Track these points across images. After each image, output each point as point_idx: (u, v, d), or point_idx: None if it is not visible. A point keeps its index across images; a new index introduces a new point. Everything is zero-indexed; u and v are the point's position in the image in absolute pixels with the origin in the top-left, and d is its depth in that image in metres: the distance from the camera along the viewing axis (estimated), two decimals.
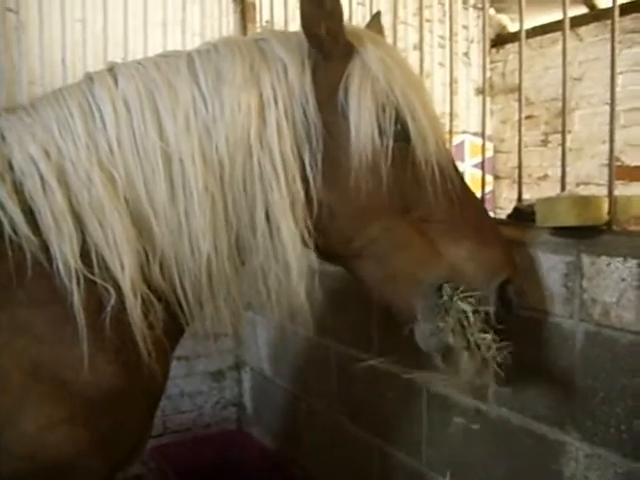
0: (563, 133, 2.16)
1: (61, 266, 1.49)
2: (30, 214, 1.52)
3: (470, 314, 1.64)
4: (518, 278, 1.73)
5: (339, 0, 1.63)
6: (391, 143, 1.65)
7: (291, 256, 1.66)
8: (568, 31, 2.14)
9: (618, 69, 2.04)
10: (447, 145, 1.80)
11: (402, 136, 1.67)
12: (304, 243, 1.68)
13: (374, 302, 2.56)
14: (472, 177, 1.80)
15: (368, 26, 2.03)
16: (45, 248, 1.51)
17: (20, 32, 3.33)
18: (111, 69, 1.70)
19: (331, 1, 1.62)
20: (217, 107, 1.62)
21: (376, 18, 2.05)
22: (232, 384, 4.05)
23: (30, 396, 1.48)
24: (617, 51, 2.02)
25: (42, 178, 1.54)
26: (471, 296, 1.66)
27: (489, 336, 1.66)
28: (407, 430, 2.55)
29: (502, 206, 5.73)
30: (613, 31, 1.99)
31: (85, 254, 1.53)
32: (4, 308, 1.48)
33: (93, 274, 1.52)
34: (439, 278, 1.68)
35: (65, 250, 1.50)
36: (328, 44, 1.66)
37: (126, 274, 1.54)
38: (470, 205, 1.76)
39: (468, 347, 1.67)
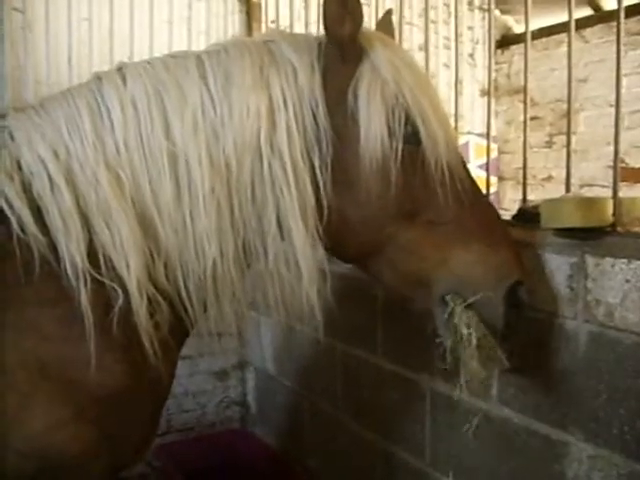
0: (568, 134, 2.17)
1: (69, 265, 1.50)
2: (38, 213, 1.53)
3: (473, 319, 1.67)
4: (528, 280, 1.74)
5: (360, 0, 1.64)
6: (401, 146, 1.65)
7: (302, 260, 1.66)
8: (573, 33, 2.15)
9: (623, 71, 2.04)
10: (457, 146, 1.80)
11: (412, 138, 1.67)
12: (315, 246, 1.68)
13: (381, 303, 2.59)
14: (477, 178, 1.81)
15: (378, 25, 2.03)
16: (53, 247, 1.52)
17: (26, 31, 3.34)
18: (120, 69, 1.70)
19: (353, 1, 1.63)
20: (226, 109, 1.63)
21: (387, 17, 2.04)
22: (236, 383, 4.06)
23: (37, 395, 1.49)
24: (622, 53, 2.02)
25: (50, 178, 1.55)
26: (473, 303, 1.68)
27: (490, 340, 1.68)
28: (411, 430, 2.55)
29: (506, 207, 5.73)
30: (618, 33, 2.00)
31: (92, 254, 1.54)
32: (12, 306, 1.49)
33: (100, 274, 1.53)
34: (447, 283, 1.69)
35: (72, 250, 1.51)
36: (347, 45, 1.67)
37: (132, 274, 1.55)
38: (480, 207, 1.76)
39: (471, 352, 1.69)
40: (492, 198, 3.62)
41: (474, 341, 1.67)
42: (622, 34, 2.00)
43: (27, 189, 1.54)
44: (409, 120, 1.67)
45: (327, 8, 1.64)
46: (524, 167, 2.34)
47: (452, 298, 1.70)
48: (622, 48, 2.01)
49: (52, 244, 1.52)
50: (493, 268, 1.69)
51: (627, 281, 1.76)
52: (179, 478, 3.23)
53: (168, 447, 3.59)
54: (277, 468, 3.41)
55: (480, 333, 1.68)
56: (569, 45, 2.15)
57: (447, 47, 5.24)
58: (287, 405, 3.52)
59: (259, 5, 4.01)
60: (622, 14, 1.99)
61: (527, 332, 1.85)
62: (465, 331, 1.67)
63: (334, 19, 1.63)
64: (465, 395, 2.00)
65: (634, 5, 4.47)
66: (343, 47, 1.67)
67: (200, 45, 3.69)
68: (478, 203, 1.76)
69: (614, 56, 2.02)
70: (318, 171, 1.65)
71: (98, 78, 1.70)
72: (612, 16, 1.90)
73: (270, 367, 3.69)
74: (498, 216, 1.87)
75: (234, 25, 4.02)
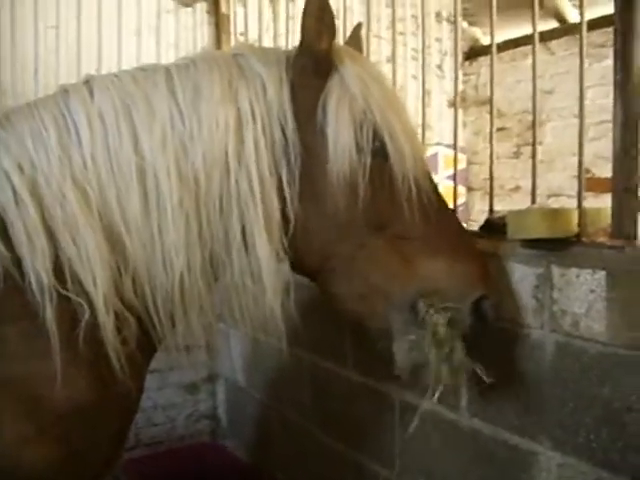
0: (534, 145, 2.20)
1: (33, 281, 1.47)
2: (2, 228, 1.51)
3: (443, 327, 1.66)
4: (494, 293, 1.75)
5: (334, 15, 1.65)
6: (369, 160, 1.66)
7: (266, 273, 1.66)
8: (538, 45, 2.18)
9: (588, 82, 2.07)
10: (425, 161, 1.81)
11: (380, 153, 1.68)
12: (279, 260, 1.68)
13: (344, 319, 2.59)
14: (445, 189, 1.83)
15: (348, 39, 2.04)
16: (18, 262, 1.49)
17: None
18: (87, 82, 1.68)
19: (329, 15, 1.63)
20: (194, 123, 1.61)
21: (356, 31, 2.05)
22: (206, 396, 4.03)
23: (2, 412, 1.46)
24: (587, 65, 2.05)
25: (15, 192, 1.52)
26: (445, 308, 1.66)
27: (460, 348, 1.68)
28: (381, 441, 2.55)
29: (475, 218, 5.79)
30: (581, 46, 2.03)
31: (58, 269, 1.51)
32: None
33: (66, 289, 1.51)
34: (414, 295, 1.68)
35: (37, 265, 1.48)
36: (321, 60, 1.67)
37: (99, 289, 1.52)
38: (446, 221, 1.77)
39: (442, 359, 1.68)
40: (461, 209, 3.64)
41: (448, 345, 1.67)
42: (585, 47, 2.04)
43: None
44: (377, 135, 1.67)
45: (306, 22, 1.64)
46: (491, 178, 2.36)
47: (425, 303, 1.67)
48: (587, 60, 2.04)
49: (17, 259, 1.49)
50: (459, 282, 1.69)
51: (592, 291, 1.79)
52: None
53: (137, 461, 3.56)
54: None
55: (455, 338, 1.68)
56: (534, 57, 2.18)
57: (415, 59, 5.28)
58: (257, 417, 3.51)
59: (228, 17, 4.01)
60: (584, 27, 2.02)
61: (494, 343, 1.86)
62: (442, 333, 1.66)
63: (312, 33, 1.64)
64: (434, 405, 2.01)
65: (598, 18, 4.54)
66: (317, 61, 1.68)
67: (169, 57, 3.67)
68: (444, 217, 1.77)
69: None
70: (285, 185, 1.65)
71: (65, 91, 1.68)
72: (577, 28, 1.93)
73: (240, 379, 3.68)
74: (464, 230, 1.88)
75: (203, 37, 4.01)
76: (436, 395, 1.74)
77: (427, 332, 1.67)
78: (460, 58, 5.90)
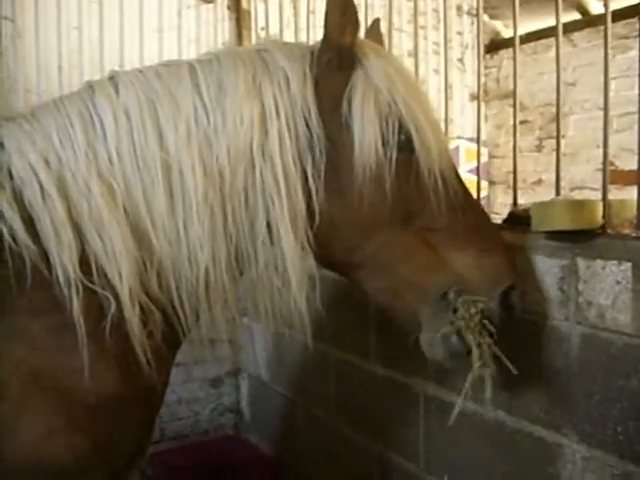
0: (557, 138, 2.18)
1: (60, 275, 1.50)
2: (30, 223, 1.52)
3: (475, 318, 1.65)
4: (521, 284, 1.74)
5: (357, 9, 1.65)
6: (395, 154, 1.66)
7: (291, 267, 1.66)
8: (561, 37, 2.16)
9: (611, 74, 2.05)
10: (450, 154, 1.80)
11: (406, 147, 1.67)
12: (304, 253, 1.68)
13: (374, 309, 2.59)
14: (467, 182, 1.82)
15: (367, 33, 2.04)
16: (45, 257, 1.51)
17: (16, 40, 3.34)
18: (112, 78, 1.70)
19: (352, 9, 1.64)
20: (219, 118, 1.62)
21: (375, 25, 2.05)
22: (230, 390, 4.05)
23: (30, 405, 1.48)
24: (610, 57, 2.03)
25: (42, 187, 1.54)
26: (475, 301, 1.66)
27: (490, 340, 1.67)
28: (405, 434, 2.55)
29: (497, 211, 5.75)
30: (606, 37, 2.01)
31: (84, 263, 1.53)
32: (4, 316, 1.49)
33: (92, 283, 1.53)
34: (443, 286, 1.68)
35: (64, 259, 1.50)
36: (344, 53, 1.68)
37: (124, 283, 1.54)
38: (473, 213, 1.77)
39: (472, 350, 1.67)
40: (483, 202, 3.62)
41: (479, 336, 1.66)
42: (609, 38, 2.02)
43: (18, 198, 1.54)
44: (402, 128, 1.67)
45: (330, 16, 1.64)
46: (514, 171, 2.35)
47: (455, 294, 1.67)
48: (610, 52, 2.02)
49: (44, 253, 1.51)
50: (488, 273, 1.69)
51: (618, 282, 1.77)
52: None
53: (162, 455, 3.58)
54: (271, 475, 3.40)
55: (485, 329, 1.67)
56: (557, 49, 2.16)
57: (436, 52, 5.26)
58: (281, 411, 3.52)
59: (249, 13, 4.02)
60: (609, 18, 2.00)
61: (520, 335, 1.85)
62: (474, 324, 1.65)
63: (336, 27, 1.64)
64: (458, 398, 2.00)
65: (621, 9, 4.50)
66: (341, 55, 1.67)
67: (190, 53, 3.70)
68: (471, 209, 1.77)
69: (602, 60, 2.04)
70: (310, 179, 1.65)
71: (90, 87, 1.70)
72: (600, 20, 1.92)
73: (263, 374, 3.69)
74: (490, 221, 1.87)
75: (224, 33, 4.02)
76: (467, 387, 1.72)
77: (458, 322, 1.66)
78: (482, 51, 5.88)
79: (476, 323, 1.65)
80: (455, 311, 1.66)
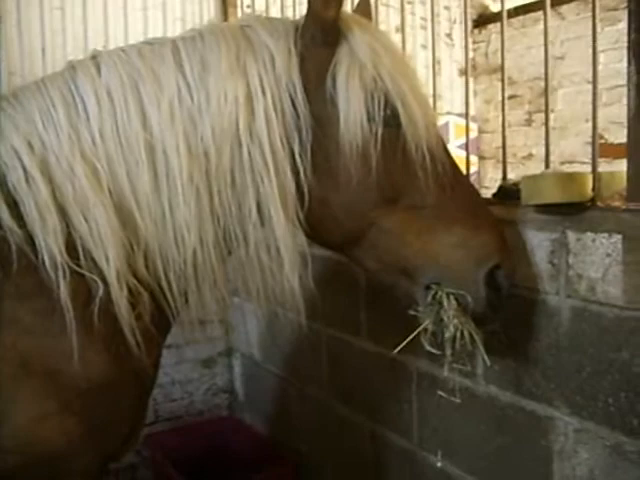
0: (546, 112, 2.17)
1: (47, 258, 1.49)
2: (14, 207, 1.51)
3: (453, 311, 1.70)
4: (509, 261, 1.74)
5: None
6: (381, 129, 1.64)
7: (283, 246, 1.65)
8: (549, 10, 2.14)
9: (600, 47, 2.05)
10: (437, 129, 1.79)
11: (392, 122, 1.66)
12: (295, 232, 1.67)
13: (364, 286, 2.60)
14: (457, 158, 1.81)
15: (356, 8, 2.01)
16: (30, 240, 1.50)
17: None
18: (94, 57, 1.68)
19: None
20: (203, 97, 1.60)
21: (364, 0, 2.03)
22: (223, 370, 4.06)
23: (21, 389, 1.48)
24: (599, 29, 2.01)
25: (25, 170, 1.52)
26: (454, 294, 1.70)
27: (468, 331, 1.73)
28: (398, 411, 2.56)
29: (488, 186, 5.75)
30: (594, 9, 1.99)
31: (70, 246, 1.52)
32: None
33: (79, 266, 1.52)
34: (428, 275, 1.70)
35: (50, 242, 1.49)
36: (329, 29, 1.65)
37: (111, 265, 1.53)
38: (462, 189, 1.76)
39: (450, 336, 1.72)
40: (473, 177, 3.62)
41: (453, 328, 1.70)
42: (598, 10, 2.00)
43: (2, 182, 1.52)
44: (388, 103, 1.65)
45: None
46: (503, 145, 2.34)
47: (436, 287, 1.71)
48: (598, 24, 2.01)
49: (29, 237, 1.50)
50: (473, 252, 1.69)
51: (608, 255, 1.77)
52: (168, 467, 3.23)
53: (157, 436, 3.59)
54: (266, 453, 3.42)
55: (462, 320, 1.71)
56: (545, 22, 2.14)
57: (424, 27, 5.22)
58: (274, 390, 3.53)
59: None
60: None
61: (511, 309, 1.85)
62: (447, 319, 1.69)
63: (319, 2, 1.61)
64: (451, 374, 2.01)
65: None
66: (325, 30, 1.65)
67: (176, 31, 3.65)
68: (460, 185, 1.76)
69: (591, 32, 2.02)
70: (298, 157, 1.64)
71: (72, 67, 1.67)
72: None
73: (256, 353, 3.69)
74: (480, 197, 1.87)
75: (209, 10, 3.98)
76: (445, 368, 1.82)
77: (437, 312, 1.72)
78: (470, 26, 5.83)
79: (454, 315, 1.69)
80: (439, 303, 1.71)
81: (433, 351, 1.78)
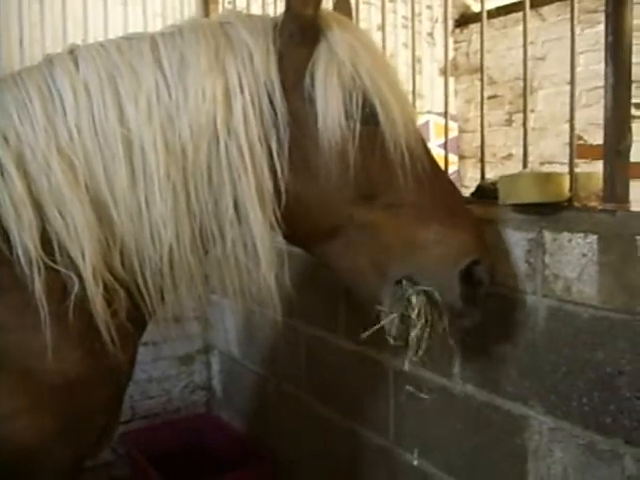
0: (525, 112, 2.18)
1: (21, 253, 1.47)
2: None
3: (420, 307, 1.69)
4: (488, 258, 1.74)
5: None
6: (359, 127, 1.63)
7: (260, 244, 1.65)
8: (529, 11, 2.15)
9: (580, 49, 2.06)
10: (416, 127, 1.79)
11: (371, 120, 1.66)
12: (273, 230, 1.67)
13: (341, 285, 2.59)
14: (437, 157, 1.82)
15: (335, 5, 2.00)
16: (5, 235, 1.48)
17: None
18: (72, 52, 1.66)
19: None
20: (181, 94, 1.59)
21: None
22: (201, 368, 4.04)
23: None
24: (579, 31, 2.03)
25: (0, 164, 1.51)
26: (426, 290, 1.69)
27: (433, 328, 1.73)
28: (375, 409, 2.57)
29: (467, 185, 5.77)
30: (572, 11, 2.00)
31: (45, 241, 1.51)
32: None
33: (54, 262, 1.50)
34: (402, 271, 1.69)
35: (25, 237, 1.48)
36: (307, 26, 1.64)
37: (87, 261, 1.52)
38: (441, 187, 1.76)
39: (418, 333, 1.72)
40: (453, 176, 3.63)
41: (420, 326, 1.71)
42: (577, 12, 2.01)
43: None
44: (367, 102, 1.65)
45: None
46: (482, 145, 2.35)
47: (406, 283, 1.70)
48: (578, 26, 2.02)
49: (3, 232, 1.48)
50: (449, 249, 1.68)
51: (584, 255, 1.79)
52: (144, 464, 3.22)
53: (133, 433, 3.58)
54: (243, 451, 3.41)
55: (429, 318, 1.71)
56: (524, 23, 2.15)
57: (405, 26, 5.23)
58: (252, 388, 3.52)
59: None
60: None
61: (486, 308, 1.86)
62: (414, 316, 1.69)
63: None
64: (427, 373, 2.02)
65: None
66: (304, 28, 1.65)
67: (156, 26, 3.62)
68: (439, 183, 1.76)
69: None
70: (275, 155, 1.63)
71: (49, 61, 1.66)
72: None
73: (234, 350, 3.69)
74: (459, 196, 1.87)
75: (190, 6, 3.95)
76: (406, 363, 1.80)
77: (405, 309, 1.71)
78: (450, 25, 5.85)
79: (422, 313, 1.70)
80: (407, 299, 1.70)
81: (397, 344, 1.78)
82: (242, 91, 1.61)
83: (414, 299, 1.68)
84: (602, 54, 1.82)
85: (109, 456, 3.54)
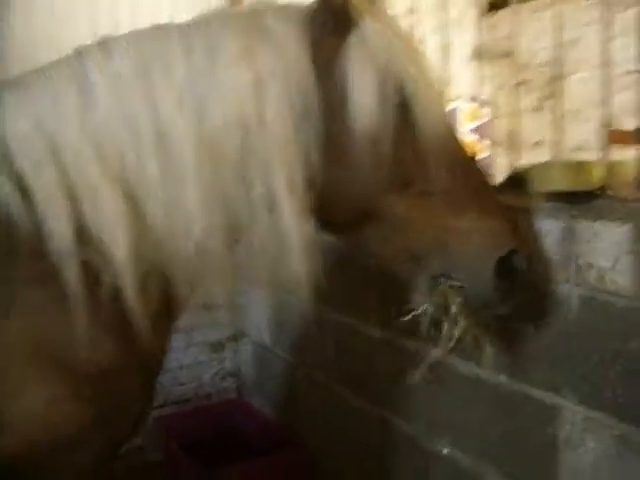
0: (558, 98, 2.15)
1: (56, 244, 1.49)
2: (24, 192, 1.51)
3: (453, 302, 1.71)
4: (526, 246, 1.73)
5: None
6: (392, 116, 1.63)
7: (292, 234, 1.64)
8: None
9: (612, 32, 2.02)
10: (447, 116, 1.78)
11: (403, 109, 1.65)
12: (305, 220, 1.66)
13: (374, 272, 2.59)
14: (467, 143, 1.80)
15: None
16: (39, 226, 1.50)
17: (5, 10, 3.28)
18: (103, 43, 1.67)
19: None
20: (212, 83, 1.59)
21: None
22: (231, 354, 4.08)
23: (32, 374, 1.49)
24: (612, 14, 1.99)
25: (35, 155, 1.53)
26: (460, 286, 1.70)
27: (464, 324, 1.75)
28: (405, 397, 2.57)
29: (497, 172, 5.72)
30: None
31: (79, 232, 1.52)
32: (1, 287, 1.48)
33: (88, 252, 1.52)
34: (438, 260, 1.70)
35: (59, 228, 1.49)
36: (339, 16, 1.64)
37: (120, 251, 1.53)
38: (472, 175, 1.75)
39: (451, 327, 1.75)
40: (484, 163, 3.60)
41: (458, 329, 1.73)
42: None
43: (10, 166, 1.52)
44: (399, 91, 1.65)
45: None
46: (514, 131, 2.32)
47: (442, 280, 1.71)
48: (612, 10, 1.98)
49: (38, 222, 1.50)
50: (486, 239, 1.67)
51: (618, 244, 1.76)
52: (176, 449, 3.25)
53: (165, 419, 3.62)
54: (273, 438, 3.43)
55: (466, 320, 1.73)
56: (558, 7, 2.12)
57: (436, 11, 5.16)
58: (282, 375, 3.54)
59: None
60: None
61: (519, 297, 1.85)
62: (450, 316, 1.71)
63: None
64: (458, 361, 2.01)
65: None
66: (336, 17, 1.64)
67: (184, 15, 3.62)
68: (470, 171, 1.75)
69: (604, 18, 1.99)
70: (308, 145, 1.63)
71: (81, 53, 1.67)
72: None
73: (265, 338, 3.70)
74: (490, 184, 1.85)
75: None
76: (438, 352, 1.87)
77: (441, 305, 1.73)
78: (483, 10, 5.78)
79: (459, 314, 1.72)
80: (442, 291, 1.71)
81: (430, 333, 1.79)
82: (274, 81, 1.60)
83: (448, 291, 1.68)
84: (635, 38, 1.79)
85: (141, 441, 3.58)
